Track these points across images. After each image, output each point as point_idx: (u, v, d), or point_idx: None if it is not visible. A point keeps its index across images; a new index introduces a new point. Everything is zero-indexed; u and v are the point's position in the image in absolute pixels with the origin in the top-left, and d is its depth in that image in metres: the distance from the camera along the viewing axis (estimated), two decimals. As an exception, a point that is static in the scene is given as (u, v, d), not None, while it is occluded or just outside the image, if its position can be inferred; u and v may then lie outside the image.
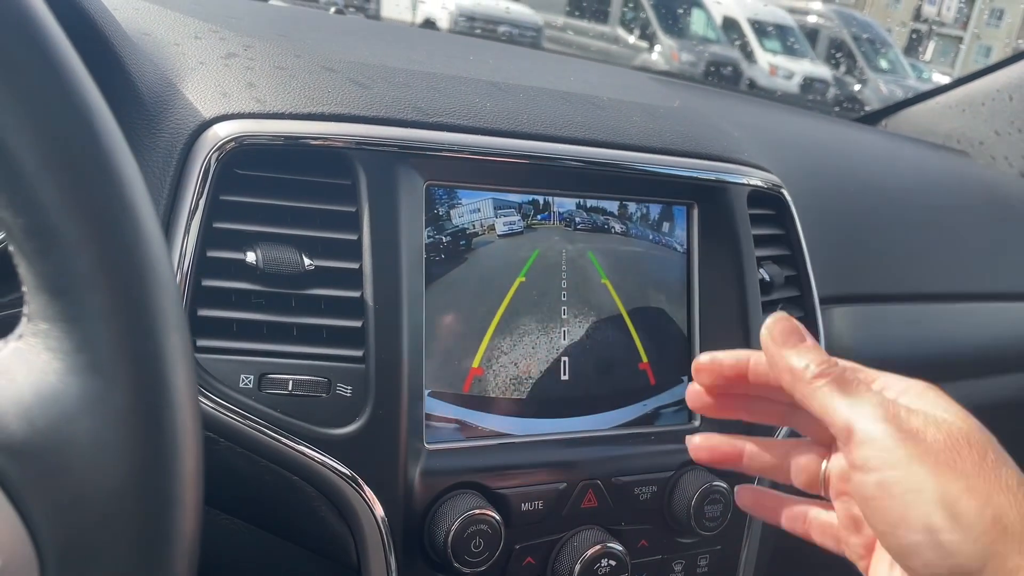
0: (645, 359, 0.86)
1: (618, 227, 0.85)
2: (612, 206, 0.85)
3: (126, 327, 0.36)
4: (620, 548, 0.78)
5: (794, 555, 1.07)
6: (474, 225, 0.78)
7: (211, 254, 0.68)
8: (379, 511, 0.70)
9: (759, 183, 0.93)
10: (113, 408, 0.35)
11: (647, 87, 1.10)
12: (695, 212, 0.89)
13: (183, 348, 0.38)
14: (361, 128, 0.72)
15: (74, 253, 0.34)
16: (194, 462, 0.38)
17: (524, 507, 0.75)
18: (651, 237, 0.87)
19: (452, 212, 0.77)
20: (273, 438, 0.67)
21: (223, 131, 0.69)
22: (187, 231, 0.68)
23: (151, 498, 0.36)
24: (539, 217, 0.81)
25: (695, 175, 0.88)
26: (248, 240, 0.69)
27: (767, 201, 0.95)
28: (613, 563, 0.77)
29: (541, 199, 0.81)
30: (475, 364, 0.78)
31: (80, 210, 0.34)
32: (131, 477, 0.36)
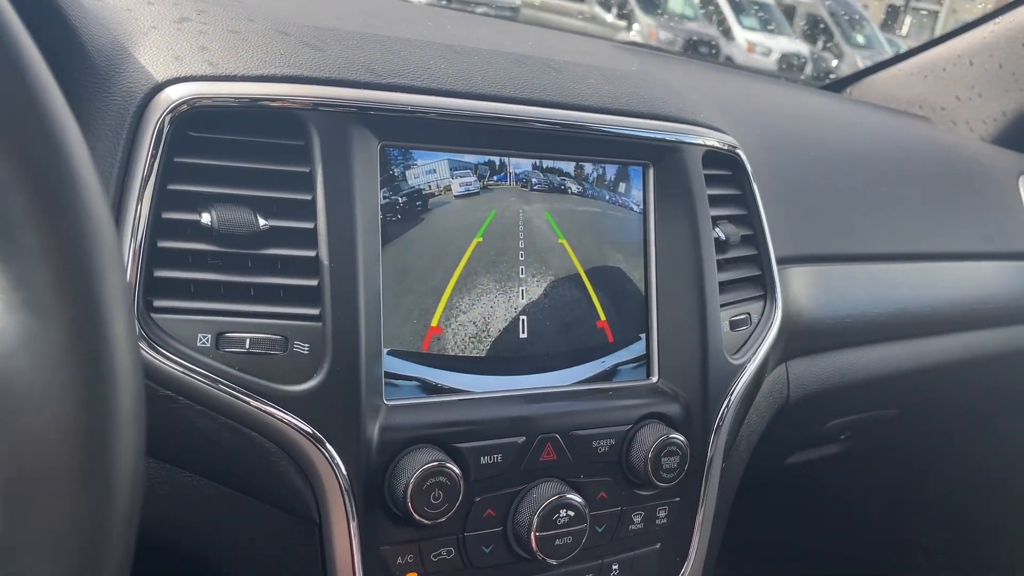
0: (603, 317, 0.87)
1: (575, 188, 0.86)
2: (568, 167, 0.86)
3: (62, 265, 0.36)
4: (579, 500, 0.79)
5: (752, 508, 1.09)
6: (430, 186, 0.79)
7: (166, 216, 0.69)
8: (340, 466, 0.71)
9: (715, 143, 0.95)
10: (50, 346, 0.36)
11: (605, 52, 1.11)
12: (651, 172, 0.90)
13: (121, 286, 0.38)
14: (314, 89, 0.73)
15: (6, 191, 0.35)
16: (133, 400, 0.39)
17: (483, 460, 0.77)
18: (607, 197, 0.88)
19: (407, 173, 0.78)
20: (231, 395, 0.68)
21: (175, 94, 0.69)
22: (141, 193, 0.68)
23: (91, 436, 0.37)
24: (495, 178, 0.82)
25: (650, 135, 0.89)
26: (203, 201, 0.70)
27: (723, 162, 0.97)
28: (572, 514, 0.79)
29: (497, 160, 0.82)
30: (434, 323, 0.79)
31: (11, 149, 0.35)
32: (70, 415, 0.37)
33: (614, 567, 0.86)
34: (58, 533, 0.36)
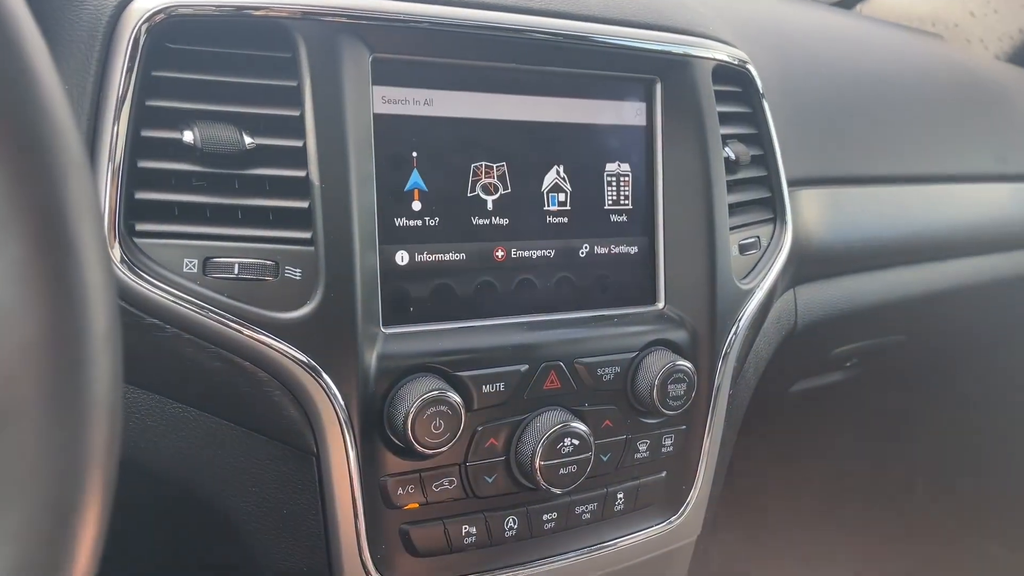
0: (607, 239, 0.84)
1: (578, 102, 0.82)
2: (572, 81, 0.81)
3: (17, 172, 0.33)
4: (584, 428, 0.77)
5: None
6: (426, 100, 0.74)
7: (145, 134, 0.65)
8: (337, 396, 0.69)
9: (725, 58, 0.90)
10: (10, 260, 0.33)
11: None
12: (658, 87, 0.85)
13: (86, 194, 0.35)
14: (300, -3, 0.68)
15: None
16: (106, 318, 0.35)
17: (485, 389, 0.74)
18: (613, 112, 0.84)
19: (401, 86, 0.73)
20: (221, 323, 0.65)
21: (150, 3, 0.64)
22: (118, 110, 0.64)
23: (60, 359, 0.34)
24: (496, 91, 0.78)
25: (658, 48, 0.84)
26: (184, 118, 0.66)
27: (733, 78, 0.92)
28: (576, 443, 0.77)
29: (496, 73, 0.78)
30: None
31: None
32: (37, 337, 0.33)
33: (619, 496, 0.84)
34: (32, 463, 0.34)
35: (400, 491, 0.73)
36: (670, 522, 0.89)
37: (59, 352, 0.34)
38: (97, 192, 0.36)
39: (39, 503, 0.34)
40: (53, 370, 0.34)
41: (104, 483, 0.36)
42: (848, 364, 1.31)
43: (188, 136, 0.65)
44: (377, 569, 0.74)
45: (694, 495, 0.90)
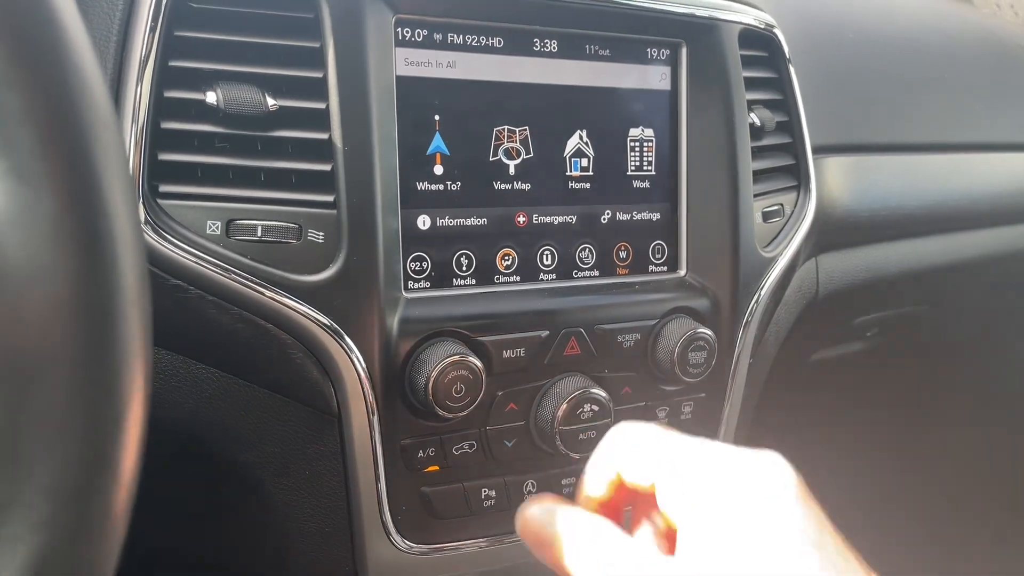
0: (630, 205, 0.83)
1: (603, 66, 0.81)
2: (597, 44, 0.80)
3: (49, 127, 0.33)
4: (603, 394, 0.77)
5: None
6: (449, 62, 0.74)
7: (168, 94, 0.65)
8: (359, 359, 0.69)
9: (751, 22, 0.88)
10: (42, 216, 0.33)
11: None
12: (683, 51, 0.84)
13: (116, 151, 0.35)
14: (323, -44, 0.67)
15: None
16: (136, 274, 0.36)
17: (506, 354, 0.74)
18: (637, 76, 0.83)
19: (424, 48, 0.72)
20: (244, 285, 0.65)
21: None
22: (142, 70, 0.64)
23: (91, 311, 0.34)
24: (519, 54, 0.77)
25: (684, 11, 0.83)
26: (207, 79, 0.65)
27: (759, 42, 0.91)
28: (596, 408, 0.77)
29: (519, 35, 0.77)
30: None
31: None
32: (67, 289, 0.33)
33: (638, 462, 0.84)
34: (63, 418, 0.34)
35: (420, 453, 0.74)
36: (688, 488, 0.89)
37: (90, 308, 0.34)
38: (126, 150, 0.36)
39: (71, 458, 0.34)
40: (84, 326, 0.34)
41: (135, 439, 0.36)
42: (869, 334, 1.30)
43: (211, 97, 0.65)
44: (398, 530, 0.75)
45: (712, 462, 0.90)
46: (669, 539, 0.53)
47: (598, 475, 0.55)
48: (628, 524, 0.56)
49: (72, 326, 0.34)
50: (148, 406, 0.37)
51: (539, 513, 0.55)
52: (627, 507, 0.57)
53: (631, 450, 0.53)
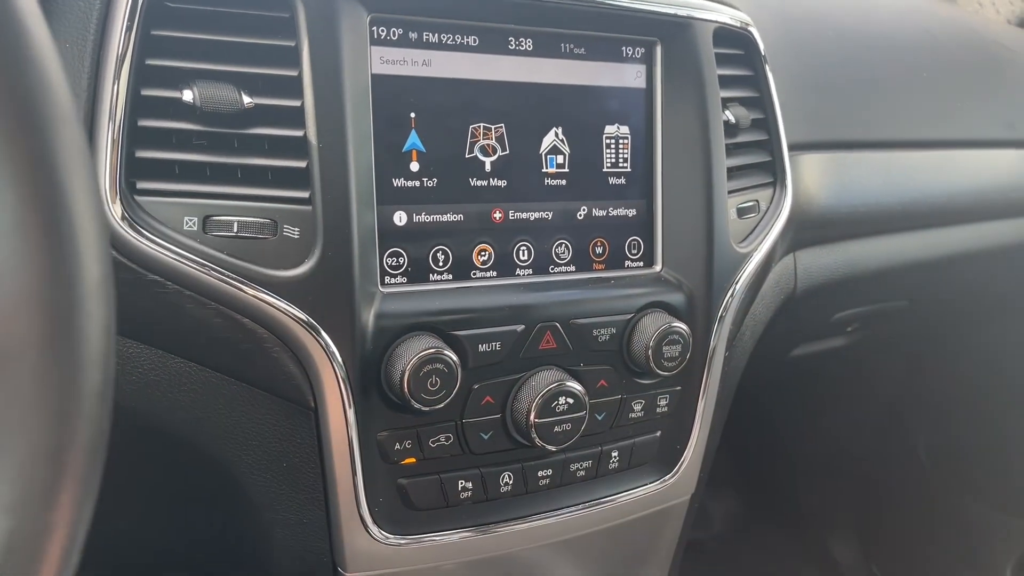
0: (605, 202, 0.84)
1: (578, 64, 0.82)
2: (572, 42, 0.81)
3: (8, 122, 0.34)
4: (579, 388, 0.78)
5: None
6: (425, 60, 0.75)
7: (145, 93, 0.66)
8: (335, 353, 0.70)
9: (727, 20, 0.89)
10: (3, 209, 0.34)
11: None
12: (658, 49, 0.85)
13: (76, 143, 0.36)
14: (298, -45, 0.68)
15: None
16: (98, 266, 0.37)
17: (481, 348, 0.76)
18: (612, 74, 0.84)
19: (399, 47, 0.73)
20: (221, 280, 0.67)
21: None
22: (119, 69, 0.65)
23: (54, 303, 0.35)
24: (494, 52, 0.78)
25: (659, 9, 0.84)
26: (184, 78, 0.66)
27: (735, 40, 0.92)
28: (571, 401, 0.78)
29: (495, 33, 0.78)
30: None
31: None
32: (30, 282, 0.34)
33: (614, 454, 0.86)
34: (26, 407, 0.35)
35: (397, 446, 0.75)
36: (664, 480, 0.91)
37: (54, 300, 0.35)
38: (86, 142, 0.37)
39: (33, 446, 0.35)
40: (47, 317, 0.35)
41: (97, 427, 0.37)
42: (849, 329, 1.31)
43: (188, 95, 0.66)
44: (375, 522, 0.76)
45: (688, 454, 0.92)
46: None
47: None
48: None
49: (36, 318, 0.35)
50: (112, 394, 0.38)
51: None
52: None
53: None
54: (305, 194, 0.68)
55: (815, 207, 1.04)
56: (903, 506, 1.72)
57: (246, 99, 0.67)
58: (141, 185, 0.66)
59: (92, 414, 0.37)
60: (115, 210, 0.64)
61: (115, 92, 0.65)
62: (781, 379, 1.33)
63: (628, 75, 0.85)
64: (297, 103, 0.68)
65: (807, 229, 1.03)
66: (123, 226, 0.64)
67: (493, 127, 0.78)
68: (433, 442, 0.76)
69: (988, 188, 1.24)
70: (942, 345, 1.59)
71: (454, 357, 0.72)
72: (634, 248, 0.86)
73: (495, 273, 0.80)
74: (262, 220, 0.68)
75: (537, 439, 0.77)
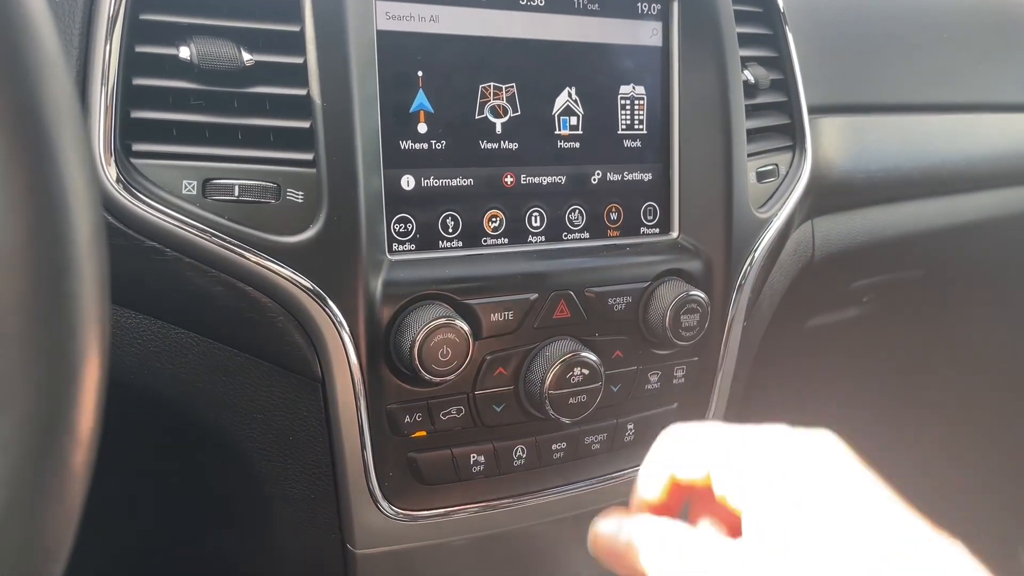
0: (621, 165, 0.81)
1: (592, 21, 0.78)
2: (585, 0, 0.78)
3: None
4: (594, 358, 0.76)
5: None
6: (432, 16, 0.71)
7: (140, 49, 0.63)
8: (342, 323, 0.67)
9: (745, -25, 0.86)
10: (-14, 161, 0.31)
11: None
12: (675, 6, 0.82)
13: (64, 93, 0.33)
14: (299, -96, 0.65)
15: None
16: (90, 225, 0.34)
17: (493, 317, 0.73)
18: (628, 32, 0.80)
19: (406, 1, 0.70)
20: (221, 246, 0.64)
21: None
22: (112, 24, 0.62)
23: (43, 263, 0.32)
24: (505, 8, 0.74)
25: (675, -36, 0.80)
26: (180, 33, 0.63)
27: (754, -3, 0.88)
28: (586, 372, 0.75)
29: (505, -10, 0.74)
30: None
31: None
32: (17, 240, 0.32)
33: (629, 427, 0.83)
34: (16, 373, 0.32)
35: (407, 419, 0.72)
36: (681, 454, 0.88)
37: (42, 259, 0.32)
38: (75, 89, 0.34)
39: (25, 415, 0.33)
40: (36, 278, 0.32)
41: (92, 396, 0.35)
42: (866, 299, 1.28)
43: (184, 52, 0.63)
44: (385, 497, 0.74)
45: (705, 427, 0.89)
46: (730, 525, 0.53)
47: (651, 478, 0.55)
48: (687, 521, 0.55)
49: (24, 278, 0.32)
50: (107, 362, 0.35)
51: (606, 526, 0.55)
52: (683, 505, 0.56)
53: (681, 447, 0.53)
54: (309, 156, 0.65)
55: (834, 172, 1.01)
56: (917, 477, 1.71)
57: (246, 56, 0.64)
58: (137, 147, 0.63)
59: (86, 381, 0.34)
60: (110, 173, 0.61)
61: (108, 49, 0.62)
62: (797, 349, 1.31)
63: (644, 32, 0.81)
64: (299, 60, 0.65)
65: (826, 195, 1.00)
66: (118, 189, 0.61)
67: (504, 87, 0.75)
68: (444, 415, 0.74)
69: (1010, 153, 1.21)
70: (959, 316, 1.56)
71: (465, 326, 0.69)
72: (650, 214, 0.83)
73: (507, 240, 0.77)
74: (264, 183, 0.65)
75: (551, 411, 0.74)
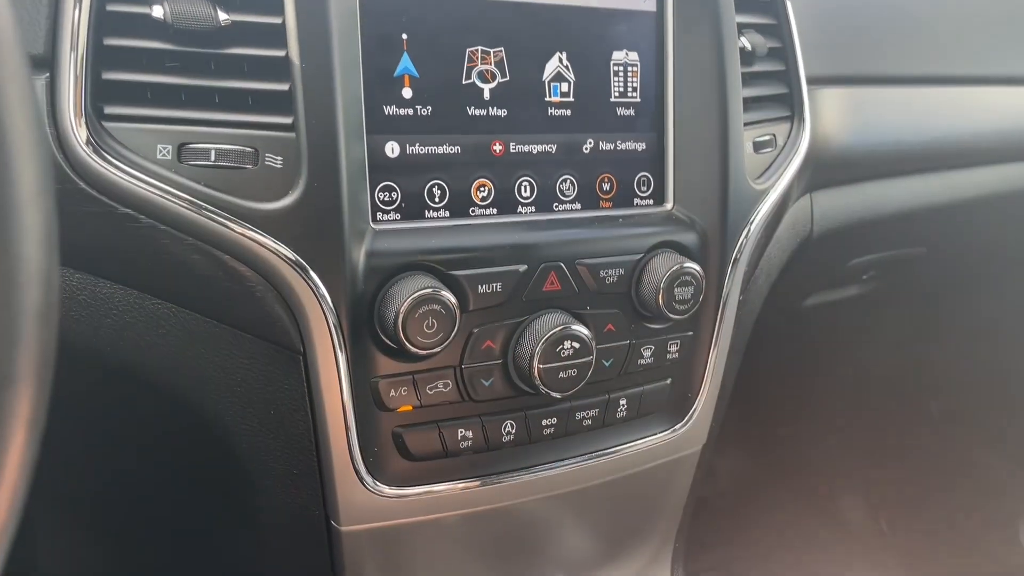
0: (613, 134, 0.79)
1: (582, -13, 0.76)
2: (575, -39, 0.75)
3: None
4: (585, 332, 0.74)
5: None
6: (416, -22, 0.69)
7: (111, 8, 0.60)
8: (324, 294, 0.65)
9: (743, -62, 0.83)
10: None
11: None
12: (669, -31, 0.79)
13: (17, 64, 0.31)
14: None
15: None
16: (35, 174, 0.32)
17: (481, 289, 0.71)
18: (619, -2, 0.78)
19: (389, -38, 0.68)
20: (197, 212, 0.62)
21: None
22: (82, -18, 0.59)
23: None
24: (492, -27, 0.72)
25: (670, -75, 0.77)
26: (153, -9, 0.61)
27: (751, -39, 0.86)
28: (577, 346, 0.73)
29: (494, -49, 0.72)
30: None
31: None
32: None
33: (621, 402, 0.81)
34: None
35: (392, 393, 0.70)
36: (674, 431, 0.87)
37: None
38: (16, 23, 0.31)
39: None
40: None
41: (39, 353, 0.32)
42: (865, 277, 1.26)
43: (157, 11, 0.61)
44: (369, 472, 0.72)
45: (700, 404, 0.88)
46: None
47: None
48: None
49: None
50: (56, 318, 0.33)
51: None
52: None
53: None
54: (288, 120, 0.63)
55: (833, 144, 0.98)
56: (914, 460, 1.69)
57: (222, 15, 0.62)
58: (109, 110, 0.61)
59: (32, 337, 0.32)
60: (80, 135, 0.59)
61: (78, 8, 0.59)
62: (794, 328, 1.29)
63: (637, -3, 0.79)
64: (278, 20, 0.63)
65: (825, 169, 0.98)
66: (88, 152, 0.59)
67: (492, 51, 0.73)
68: (431, 389, 0.72)
69: (1015, 128, 1.18)
70: (959, 296, 1.54)
71: (452, 298, 0.67)
72: (644, 184, 0.81)
73: (495, 210, 0.74)
74: (242, 148, 0.63)
75: (541, 386, 0.73)
